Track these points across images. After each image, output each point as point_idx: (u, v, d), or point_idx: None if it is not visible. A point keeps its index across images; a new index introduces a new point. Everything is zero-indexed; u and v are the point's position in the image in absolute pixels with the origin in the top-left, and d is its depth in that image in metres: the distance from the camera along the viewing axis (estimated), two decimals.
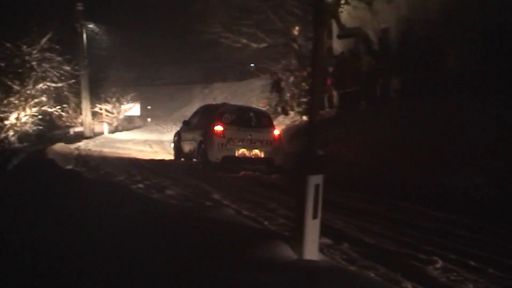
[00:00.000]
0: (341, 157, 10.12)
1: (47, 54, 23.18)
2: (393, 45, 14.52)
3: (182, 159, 13.74)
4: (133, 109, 41.44)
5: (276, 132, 12.03)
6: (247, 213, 6.33)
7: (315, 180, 3.53)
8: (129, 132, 32.63)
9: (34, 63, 22.44)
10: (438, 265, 4.33)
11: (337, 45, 18.28)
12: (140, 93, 43.75)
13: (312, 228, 3.56)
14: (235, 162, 11.46)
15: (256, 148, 11.43)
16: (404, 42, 13.84)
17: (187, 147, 13.24)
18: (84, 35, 25.99)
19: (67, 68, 24.31)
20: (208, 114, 12.33)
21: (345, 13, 16.05)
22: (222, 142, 11.23)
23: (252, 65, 38.55)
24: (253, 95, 38.62)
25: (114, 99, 39.15)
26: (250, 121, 11.98)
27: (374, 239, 5.24)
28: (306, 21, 22.06)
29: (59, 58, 23.84)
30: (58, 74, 24.01)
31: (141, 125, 41.06)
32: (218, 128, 11.40)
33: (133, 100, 41.13)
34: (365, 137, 10.71)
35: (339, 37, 17.46)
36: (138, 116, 43.25)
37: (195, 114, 13.74)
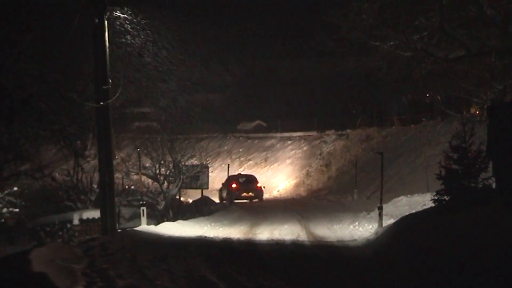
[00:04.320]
0: None
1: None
2: None
3: (224, 202, 51.70)
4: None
5: (259, 184, 57.36)
6: None
7: None
8: (189, 223, 30.61)
9: None
10: None
11: None
12: (216, 146, 46.55)
13: None
14: (241, 199, 54.54)
15: (249, 192, 56.07)
16: None
17: (223, 194, 56.43)
18: (106, 34, 22.82)
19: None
20: (228, 180, 57.28)
21: None
22: (234, 192, 55.28)
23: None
24: (434, 161, 32.90)
25: (161, 152, 39.60)
26: (246, 181, 58.08)
27: None
28: None
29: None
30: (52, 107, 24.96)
31: (216, 207, 42.45)
32: (233, 185, 56.00)
33: (200, 159, 45.29)
34: None
35: None
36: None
37: (225, 181, 56.56)
